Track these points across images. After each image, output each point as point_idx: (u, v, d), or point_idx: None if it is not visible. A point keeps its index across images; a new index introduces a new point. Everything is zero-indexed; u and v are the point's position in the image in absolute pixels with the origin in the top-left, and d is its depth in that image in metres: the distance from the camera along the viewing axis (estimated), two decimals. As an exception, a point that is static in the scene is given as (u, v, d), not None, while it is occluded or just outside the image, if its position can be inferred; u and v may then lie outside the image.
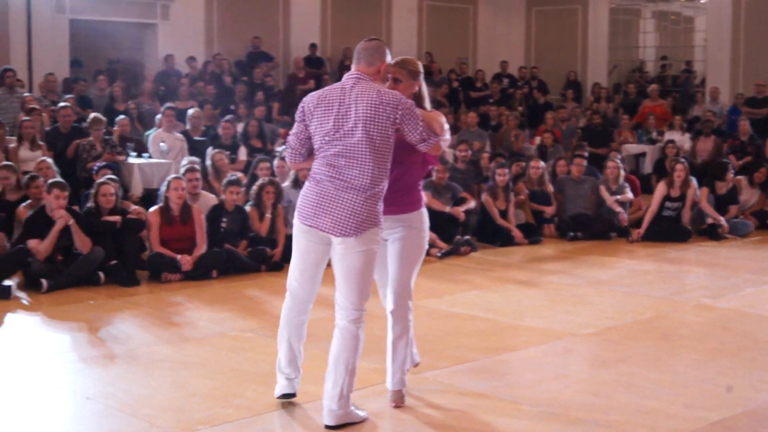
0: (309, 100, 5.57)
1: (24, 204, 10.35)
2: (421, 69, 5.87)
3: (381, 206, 5.49)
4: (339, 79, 16.96)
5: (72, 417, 5.93)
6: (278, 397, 5.97)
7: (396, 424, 5.79)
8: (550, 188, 13.51)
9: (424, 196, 11.52)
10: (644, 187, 15.68)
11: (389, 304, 5.97)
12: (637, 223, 13.19)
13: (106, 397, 6.23)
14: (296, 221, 5.56)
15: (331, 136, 5.41)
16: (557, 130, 18.01)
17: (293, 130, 5.66)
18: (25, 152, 12.46)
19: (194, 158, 12.33)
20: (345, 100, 5.42)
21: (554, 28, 24.68)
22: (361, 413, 5.75)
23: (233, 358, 7.11)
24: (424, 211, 5.98)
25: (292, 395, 5.94)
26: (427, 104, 5.85)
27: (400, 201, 5.82)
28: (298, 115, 5.61)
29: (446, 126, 5.59)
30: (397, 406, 5.99)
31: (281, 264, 10.45)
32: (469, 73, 22.76)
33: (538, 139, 17.09)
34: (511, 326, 8.23)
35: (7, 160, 11.99)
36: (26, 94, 15.10)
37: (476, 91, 21.70)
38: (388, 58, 5.62)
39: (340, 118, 5.41)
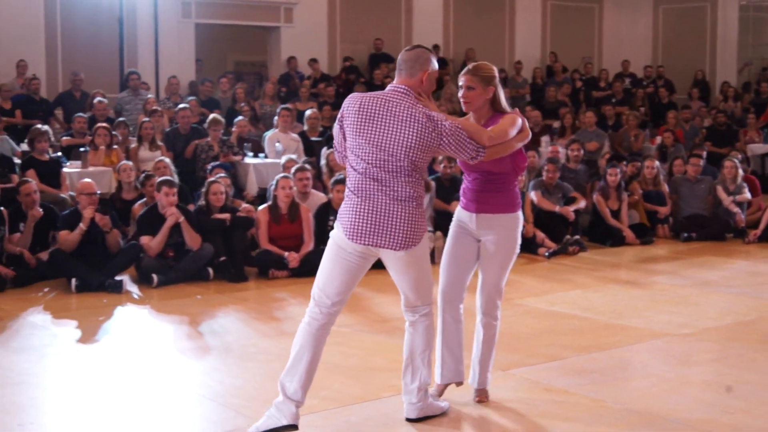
0: (348, 105, 5.34)
1: (139, 202, 10.72)
2: (496, 73, 5.75)
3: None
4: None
5: (163, 405, 6.15)
6: (277, 429, 5.32)
7: (478, 418, 5.83)
8: (666, 188, 13.34)
9: (534, 196, 11.67)
10: (768, 187, 15.37)
11: (480, 305, 6.02)
12: (756, 224, 12.92)
13: (199, 387, 6.47)
14: (342, 239, 5.33)
15: (368, 150, 5.25)
16: (679, 129, 17.72)
17: (334, 131, 5.52)
18: (144, 152, 12.88)
19: (292, 156, 12.60)
20: (388, 117, 5.22)
21: (682, 26, 24.27)
22: (442, 404, 5.83)
23: (326, 351, 7.05)
24: (520, 215, 5.93)
25: (296, 429, 5.36)
26: (505, 106, 5.80)
27: (496, 201, 5.82)
28: (338, 115, 5.44)
29: (512, 130, 5.49)
30: (480, 401, 6.05)
31: (387, 262, 10.62)
32: (594, 73, 22.55)
33: (659, 139, 16.85)
34: (608, 325, 8.18)
35: (128, 159, 12.44)
36: (150, 96, 15.59)
37: (599, 90, 21.49)
38: (433, 65, 5.41)
39: (382, 134, 5.22)
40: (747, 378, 6.70)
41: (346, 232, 5.30)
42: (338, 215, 5.40)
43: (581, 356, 7.19)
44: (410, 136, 5.19)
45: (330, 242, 5.42)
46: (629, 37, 24.54)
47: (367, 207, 5.26)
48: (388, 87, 5.41)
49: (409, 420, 5.66)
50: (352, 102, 5.35)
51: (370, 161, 5.24)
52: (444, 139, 5.22)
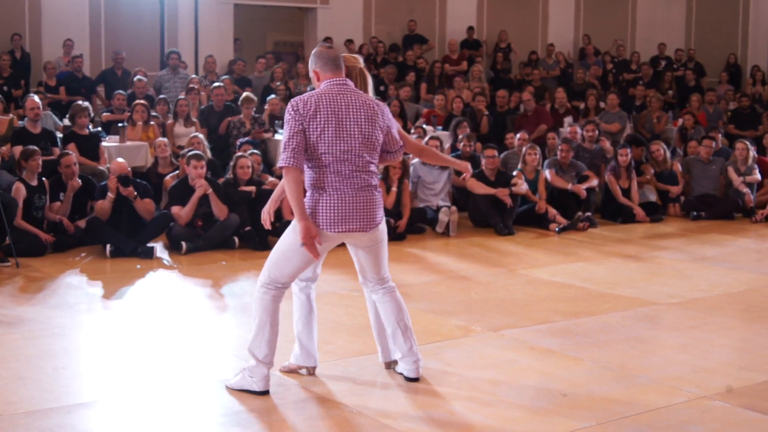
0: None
1: (171, 174, 11.42)
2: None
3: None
4: (494, 61, 17.46)
5: (182, 354, 6.84)
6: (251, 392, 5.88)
7: (464, 374, 6.38)
8: (679, 168, 13.84)
9: (548, 174, 12.21)
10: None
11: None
12: (765, 205, 13.39)
13: (215, 340, 7.19)
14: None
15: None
16: (702, 112, 18.12)
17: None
18: (179, 128, 13.58)
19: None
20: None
21: (715, 10, 24.54)
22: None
23: (335, 312, 7.86)
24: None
25: (267, 394, 5.90)
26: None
27: None
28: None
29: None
30: None
31: (404, 235, 11.30)
32: (626, 56, 22.92)
33: (680, 121, 17.28)
34: (602, 294, 8.74)
35: (164, 135, 13.14)
36: (193, 76, 16.27)
37: (630, 73, 21.88)
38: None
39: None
40: (721, 342, 7.24)
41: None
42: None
43: (570, 320, 7.76)
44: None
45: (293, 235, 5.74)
46: (663, 20, 24.80)
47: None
48: (336, 82, 5.74)
49: (409, 380, 6.12)
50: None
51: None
52: None
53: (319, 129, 5.59)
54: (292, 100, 5.69)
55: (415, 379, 6.13)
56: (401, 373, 6.20)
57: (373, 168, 5.82)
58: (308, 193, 5.75)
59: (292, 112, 5.61)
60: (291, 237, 5.80)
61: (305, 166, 5.71)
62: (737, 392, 6.00)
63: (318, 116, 5.58)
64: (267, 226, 5.98)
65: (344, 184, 5.68)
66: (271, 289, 5.90)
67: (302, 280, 6.22)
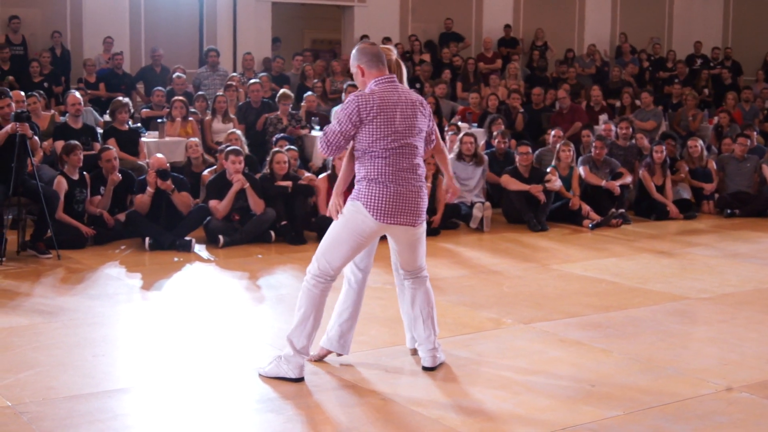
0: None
1: (209, 169, 11.60)
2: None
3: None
4: (530, 59, 17.68)
5: (217, 344, 6.99)
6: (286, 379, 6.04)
7: (494, 364, 6.51)
8: (713, 166, 13.87)
9: (582, 171, 12.26)
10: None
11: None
12: (800, 203, 13.42)
13: (251, 330, 7.34)
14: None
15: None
16: (738, 110, 18.10)
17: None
18: (217, 124, 13.77)
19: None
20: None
21: (752, 8, 24.45)
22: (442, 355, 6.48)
23: (368, 304, 7.84)
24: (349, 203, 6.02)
25: (302, 381, 6.04)
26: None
27: None
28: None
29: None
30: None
31: (438, 230, 11.42)
32: (662, 54, 22.91)
33: (716, 119, 17.27)
34: (633, 289, 8.82)
35: (202, 131, 13.34)
36: (234, 74, 16.47)
37: (666, 71, 21.88)
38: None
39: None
40: (748, 336, 7.30)
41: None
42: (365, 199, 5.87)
43: (600, 314, 7.86)
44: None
45: (349, 222, 5.90)
46: (700, 18, 24.74)
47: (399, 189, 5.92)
48: (386, 80, 5.90)
49: (426, 369, 6.31)
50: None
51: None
52: None
53: (379, 129, 5.78)
54: (356, 94, 5.83)
55: (431, 368, 6.28)
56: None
57: (422, 164, 6.03)
58: (364, 183, 5.88)
59: (354, 109, 5.76)
60: (338, 226, 5.98)
61: (363, 157, 5.88)
62: (764, 384, 6.07)
63: (378, 117, 5.76)
64: (335, 217, 6.06)
65: (400, 178, 5.86)
66: (320, 282, 6.02)
67: (360, 269, 6.33)
